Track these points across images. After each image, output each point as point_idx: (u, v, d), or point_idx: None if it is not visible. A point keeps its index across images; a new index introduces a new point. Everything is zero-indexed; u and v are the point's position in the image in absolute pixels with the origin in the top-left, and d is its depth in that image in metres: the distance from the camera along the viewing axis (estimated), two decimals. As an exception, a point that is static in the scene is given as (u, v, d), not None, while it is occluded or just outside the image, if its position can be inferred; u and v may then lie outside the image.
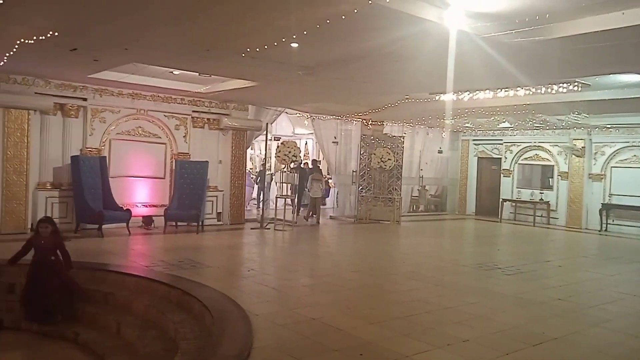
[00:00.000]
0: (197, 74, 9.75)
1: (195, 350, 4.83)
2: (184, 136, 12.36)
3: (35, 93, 10.08)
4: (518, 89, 9.50)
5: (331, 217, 16.07)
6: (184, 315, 5.91)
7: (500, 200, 17.52)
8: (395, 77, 9.08)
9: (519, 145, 17.54)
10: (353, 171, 15.85)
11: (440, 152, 18.61)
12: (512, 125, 15.91)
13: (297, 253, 10.26)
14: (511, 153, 17.73)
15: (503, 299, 6.82)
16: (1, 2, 5.23)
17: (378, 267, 8.78)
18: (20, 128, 9.92)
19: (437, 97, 10.88)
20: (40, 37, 6.50)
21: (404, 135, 16.40)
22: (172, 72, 9.93)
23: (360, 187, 15.45)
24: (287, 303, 6.16)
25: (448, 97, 10.62)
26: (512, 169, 17.70)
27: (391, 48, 6.85)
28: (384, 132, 16.21)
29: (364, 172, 15.47)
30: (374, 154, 14.99)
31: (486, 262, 9.39)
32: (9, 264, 6.44)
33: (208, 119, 12.71)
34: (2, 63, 8.33)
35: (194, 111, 12.42)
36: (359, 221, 15.07)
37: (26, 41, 6.80)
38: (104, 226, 10.25)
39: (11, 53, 7.55)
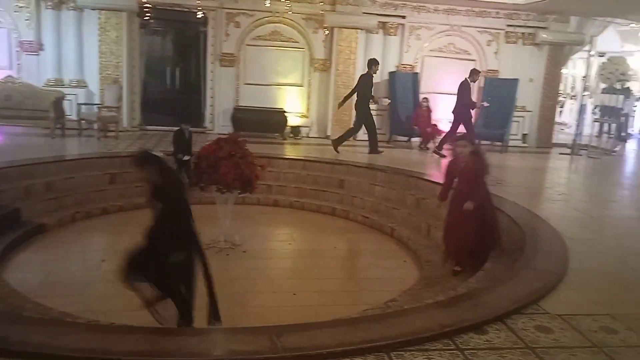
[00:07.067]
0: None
1: (506, 260, 4.93)
2: (494, 52, 11.95)
3: (363, 13, 11.05)
4: None
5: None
6: (492, 228, 6.04)
7: None
8: None
9: None
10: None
11: None
12: None
13: (616, 183, 9.16)
14: None
15: None
16: None
17: None
18: (349, 46, 11.14)
19: None
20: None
21: None
22: (490, -17, 9.55)
23: None
24: (607, 232, 5.70)
25: None
26: None
27: None
28: None
29: None
30: None
31: None
32: (440, 200, 5.45)
33: (522, 34, 11.92)
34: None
35: (508, 25, 11.78)
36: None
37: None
38: (412, 139, 11.05)
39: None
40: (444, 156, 9.57)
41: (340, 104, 10.07)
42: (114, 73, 10.43)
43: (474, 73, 10.22)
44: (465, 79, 10.09)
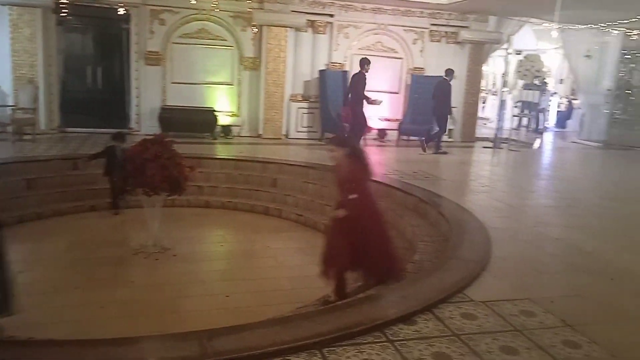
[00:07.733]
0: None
1: (433, 251, 5.10)
2: (420, 50, 12.31)
3: (292, 11, 11.04)
4: None
5: (573, 142, 14.59)
6: (421, 221, 6.23)
7: None
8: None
9: None
10: (607, 90, 13.91)
11: None
12: None
13: (534, 174, 9.71)
14: None
15: None
16: None
17: (636, 196, 7.84)
18: (278, 44, 11.09)
19: None
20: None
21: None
22: (414, -17, 9.81)
23: (615, 109, 13.57)
24: (526, 220, 6.00)
25: None
26: None
27: None
28: (652, 45, 13.66)
29: (621, 92, 13.47)
30: (637, 70, 12.86)
31: None
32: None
33: (446, 32, 12.36)
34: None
35: (432, 24, 12.17)
36: (609, 147, 13.38)
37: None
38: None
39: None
40: (445, 153, 10.60)
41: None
42: (28, 73, 9.82)
43: (450, 73, 10.81)
44: (444, 78, 10.69)
